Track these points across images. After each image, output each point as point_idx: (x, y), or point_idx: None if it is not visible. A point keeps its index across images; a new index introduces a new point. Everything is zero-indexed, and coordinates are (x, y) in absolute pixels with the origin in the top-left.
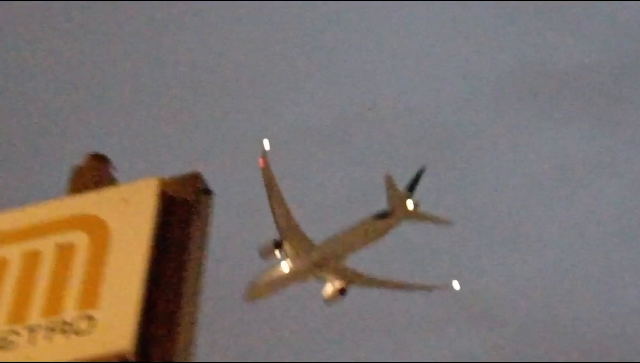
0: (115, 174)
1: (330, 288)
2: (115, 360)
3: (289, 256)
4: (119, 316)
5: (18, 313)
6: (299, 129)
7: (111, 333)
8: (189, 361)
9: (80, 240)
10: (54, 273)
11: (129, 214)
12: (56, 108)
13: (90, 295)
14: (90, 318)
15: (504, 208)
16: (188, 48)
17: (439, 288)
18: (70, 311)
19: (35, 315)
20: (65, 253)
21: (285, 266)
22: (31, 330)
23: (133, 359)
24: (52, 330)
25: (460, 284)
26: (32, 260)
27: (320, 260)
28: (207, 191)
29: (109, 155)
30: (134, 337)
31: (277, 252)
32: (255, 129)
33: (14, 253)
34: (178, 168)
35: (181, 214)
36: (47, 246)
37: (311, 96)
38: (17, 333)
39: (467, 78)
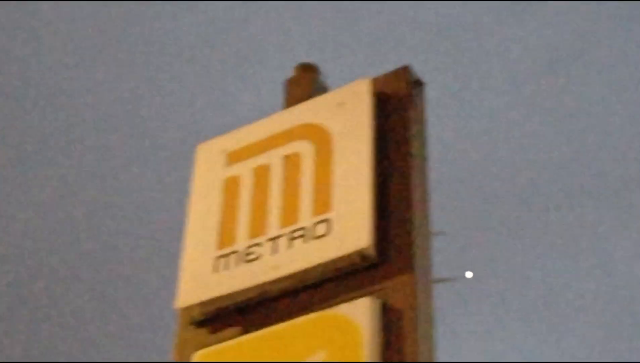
0: (326, 82)
1: None
2: (356, 259)
3: None
4: (355, 217)
5: (258, 227)
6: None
7: (349, 234)
8: (426, 260)
9: (304, 148)
10: (285, 184)
11: (346, 117)
12: (256, 29)
13: (323, 200)
14: (326, 221)
15: None
16: None
17: (454, 280)
18: (306, 217)
19: (274, 227)
20: (292, 163)
21: None
22: (272, 241)
23: (373, 256)
24: (292, 237)
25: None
26: (262, 175)
27: None
28: (419, 83)
29: (316, 63)
30: (372, 235)
31: None
32: None
33: (244, 171)
34: (383, 66)
35: (397, 110)
36: (274, 159)
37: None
38: (259, 246)
39: None
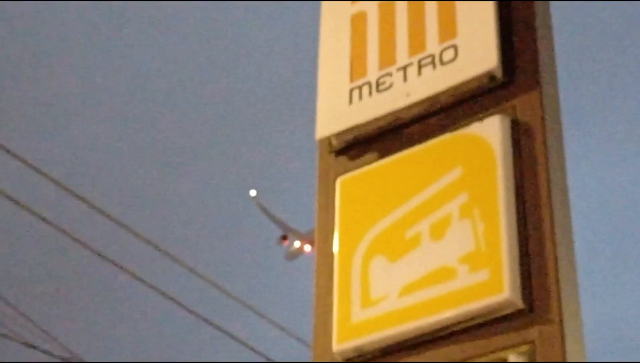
0: None
1: None
2: (484, 80)
3: None
4: (480, 40)
5: (386, 58)
6: None
7: (476, 57)
8: (553, 76)
9: None
10: (409, 15)
11: None
12: None
13: (448, 27)
14: (453, 47)
15: None
16: None
17: None
18: (433, 45)
19: (402, 56)
20: None
21: None
22: (402, 69)
23: (500, 76)
24: (421, 65)
25: None
26: (387, 8)
27: None
28: None
29: None
30: (498, 56)
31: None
32: None
33: (369, 6)
34: None
35: None
36: None
37: None
38: (390, 75)
39: None
